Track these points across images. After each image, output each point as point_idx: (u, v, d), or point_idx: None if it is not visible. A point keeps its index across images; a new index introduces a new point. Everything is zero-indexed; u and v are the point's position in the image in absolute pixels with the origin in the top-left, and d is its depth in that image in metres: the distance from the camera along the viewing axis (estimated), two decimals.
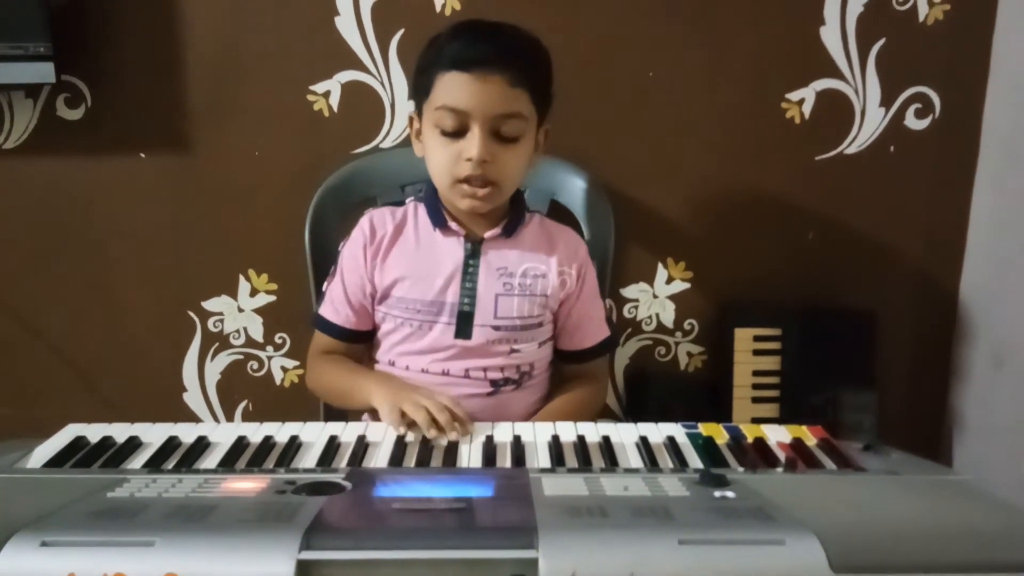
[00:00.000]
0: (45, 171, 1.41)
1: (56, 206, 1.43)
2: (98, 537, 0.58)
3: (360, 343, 1.17)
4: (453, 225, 1.10)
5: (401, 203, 1.17)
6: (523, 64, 1.01)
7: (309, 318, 1.21)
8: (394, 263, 1.11)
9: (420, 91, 1.06)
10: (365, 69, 1.39)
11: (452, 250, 1.10)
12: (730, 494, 0.66)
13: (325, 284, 1.17)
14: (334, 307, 1.15)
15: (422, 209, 1.13)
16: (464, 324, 1.09)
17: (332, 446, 0.88)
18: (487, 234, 1.10)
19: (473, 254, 1.10)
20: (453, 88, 1.00)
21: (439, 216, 1.10)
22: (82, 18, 1.35)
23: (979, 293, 1.48)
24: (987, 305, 1.46)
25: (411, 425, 0.93)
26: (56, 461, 0.82)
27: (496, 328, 1.09)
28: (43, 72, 1.28)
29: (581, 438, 0.90)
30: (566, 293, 1.13)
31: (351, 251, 1.13)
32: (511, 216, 1.12)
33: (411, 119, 1.11)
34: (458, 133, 1.01)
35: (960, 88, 1.43)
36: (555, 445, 0.88)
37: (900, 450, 0.87)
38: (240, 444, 0.88)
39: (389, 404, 0.96)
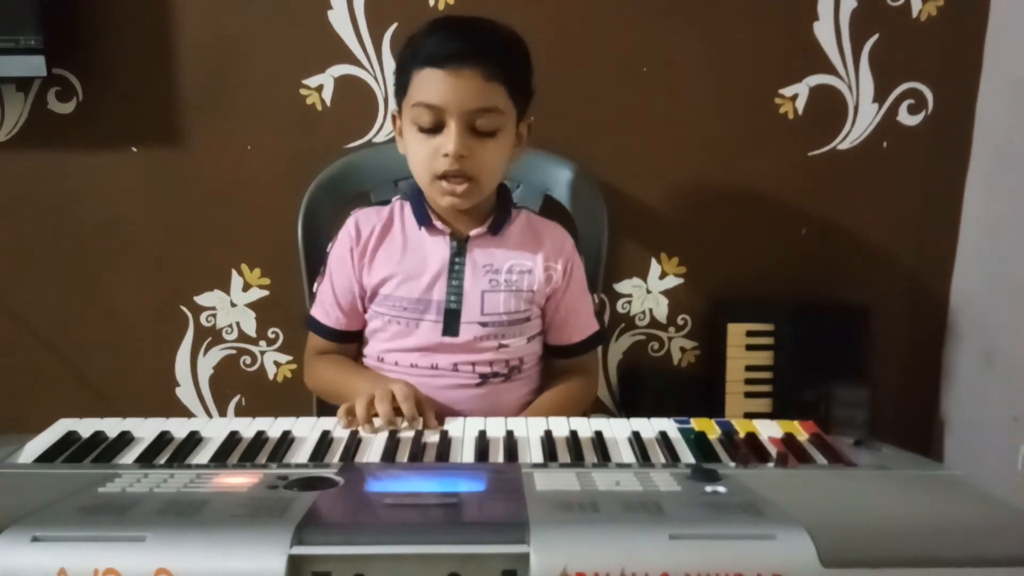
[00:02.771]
0: (36, 165, 1.40)
1: (47, 200, 1.42)
2: (89, 532, 0.58)
3: (353, 342, 1.18)
4: (438, 224, 1.10)
5: (387, 202, 1.17)
6: (498, 58, 1.01)
7: (302, 318, 1.21)
8: (381, 262, 1.11)
9: (399, 89, 1.06)
10: (358, 63, 1.38)
11: (438, 248, 1.10)
12: (721, 489, 0.66)
13: (316, 284, 1.18)
14: (324, 309, 1.15)
15: (408, 208, 1.13)
16: (451, 321, 1.09)
17: (324, 441, 0.88)
18: (472, 232, 1.10)
19: (459, 252, 1.10)
20: (428, 84, 1.00)
21: (424, 215, 1.11)
22: (73, 11, 1.34)
23: (971, 289, 1.49)
24: (979, 301, 1.47)
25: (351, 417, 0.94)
26: (47, 456, 0.82)
27: (483, 324, 1.09)
28: (34, 65, 1.27)
29: (574, 433, 0.90)
30: (552, 288, 1.13)
31: (338, 253, 1.13)
32: (497, 213, 1.12)
33: (394, 117, 1.11)
34: (435, 129, 1.02)
35: (953, 84, 1.44)
36: (547, 440, 0.88)
37: (891, 445, 0.87)
38: (232, 439, 0.88)
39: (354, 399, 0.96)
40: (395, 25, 1.36)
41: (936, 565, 0.58)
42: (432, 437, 0.90)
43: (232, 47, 1.37)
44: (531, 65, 1.07)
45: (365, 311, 1.15)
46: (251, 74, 1.38)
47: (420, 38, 1.03)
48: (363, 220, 1.13)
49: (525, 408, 1.13)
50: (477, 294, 1.09)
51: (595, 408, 1.52)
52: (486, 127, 1.02)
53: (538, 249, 1.12)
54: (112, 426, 0.90)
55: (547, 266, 1.12)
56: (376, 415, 0.93)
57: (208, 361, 1.51)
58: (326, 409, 1.22)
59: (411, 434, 0.91)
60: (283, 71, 1.38)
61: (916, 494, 0.72)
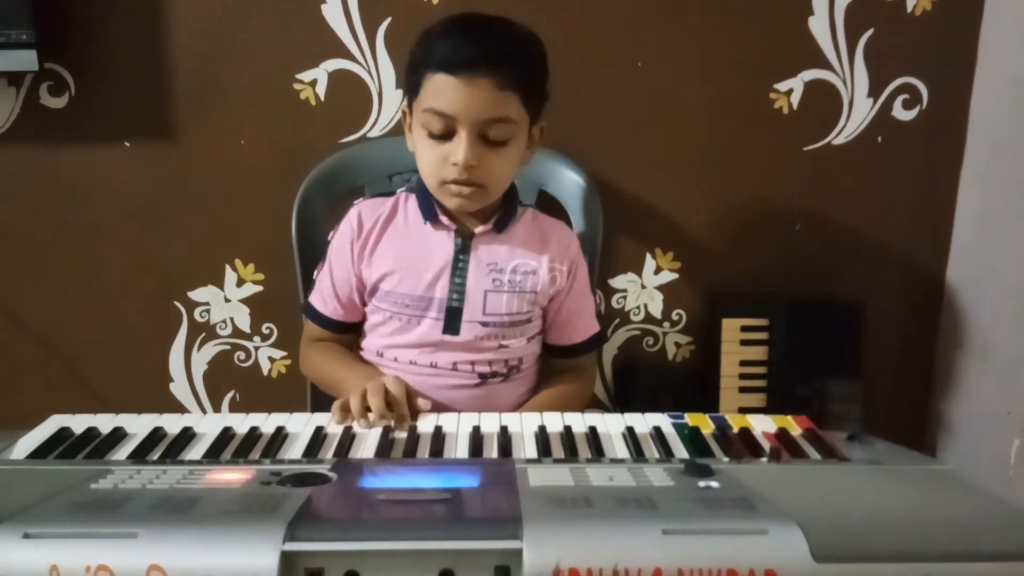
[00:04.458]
0: (28, 160, 1.40)
1: (40, 196, 1.42)
2: (81, 529, 0.58)
3: (349, 333, 1.17)
4: (444, 219, 1.09)
5: (391, 193, 1.16)
6: (513, 67, 0.98)
7: (300, 305, 1.20)
8: (383, 257, 1.10)
9: (410, 88, 1.04)
10: (352, 58, 1.38)
11: (442, 245, 1.09)
12: (714, 484, 0.67)
13: (316, 271, 1.17)
14: (323, 298, 1.15)
15: (413, 201, 1.12)
16: (452, 320, 1.08)
17: (318, 437, 0.88)
18: (478, 229, 1.09)
19: (463, 249, 1.09)
20: (440, 91, 0.98)
21: (430, 210, 1.09)
22: (65, 5, 1.33)
23: (965, 284, 1.49)
24: (973, 296, 1.47)
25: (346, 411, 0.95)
26: (40, 452, 0.82)
27: (484, 324, 1.09)
28: (26, 60, 1.26)
29: (567, 428, 0.90)
30: (556, 289, 1.12)
31: (339, 244, 1.12)
32: (503, 211, 1.11)
33: (403, 113, 1.09)
34: (445, 136, 1.00)
35: (947, 79, 1.44)
36: (542, 436, 0.88)
37: (884, 440, 0.87)
38: (225, 435, 0.88)
39: (344, 395, 0.97)
40: (389, 19, 1.36)
41: (928, 560, 0.58)
42: (427, 428, 0.91)
43: (225, 41, 1.37)
44: (547, 69, 1.05)
45: (364, 304, 1.14)
46: (244, 68, 1.38)
47: (434, 39, 1.00)
48: (366, 212, 1.12)
49: (522, 407, 1.13)
50: (480, 293, 1.08)
51: (590, 403, 1.51)
52: (498, 137, 1.00)
53: (544, 250, 1.11)
54: (105, 422, 0.90)
55: (552, 267, 1.11)
56: (370, 409, 0.94)
57: (202, 357, 1.51)
58: (320, 404, 1.22)
59: (405, 429, 0.91)
60: (277, 65, 1.38)
61: (909, 489, 0.72)
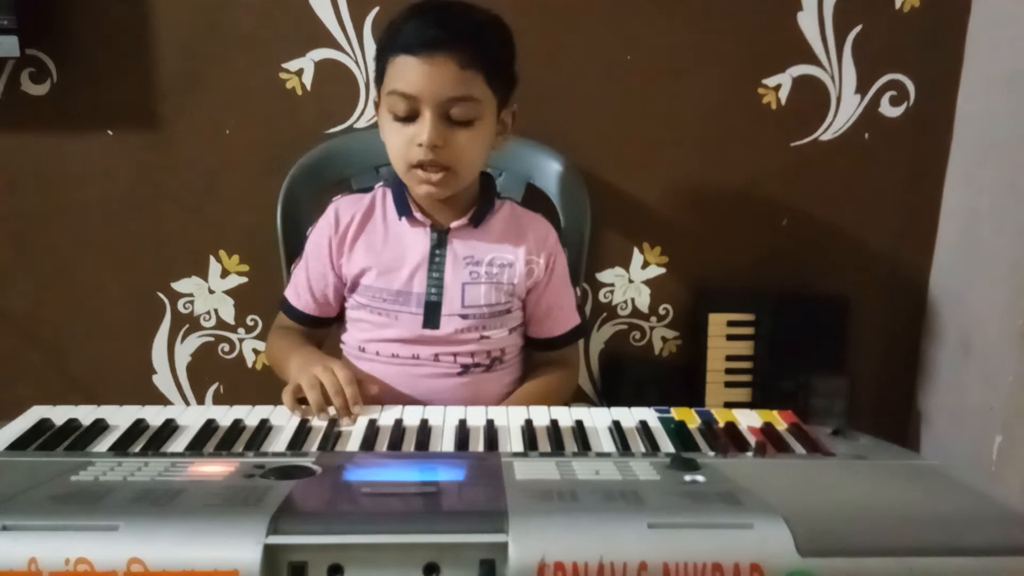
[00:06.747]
0: (9, 148, 1.38)
1: (20, 184, 1.40)
2: (61, 521, 0.57)
3: (320, 329, 1.17)
4: (418, 215, 1.09)
5: (369, 189, 1.15)
6: (474, 45, 0.98)
7: (280, 302, 1.20)
8: (361, 253, 1.10)
9: (377, 76, 1.04)
10: (339, 47, 1.37)
11: (418, 240, 1.09)
12: (700, 478, 0.67)
13: (293, 265, 1.17)
14: (296, 291, 1.15)
15: (390, 196, 1.12)
16: (432, 314, 1.08)
17: (302, 430, 0.88)
18: (453, 224, 1.09)
19: (439, 244, 1.09)
20: (402, 72, 0.98)
21: (405, 205, 1.09)
22: None
23: (949, 280, 1.50)
24: (957, 292, 1.48)
25: (303, 403, 0.95)
26: (19, 444, 0.81)
27: (464, 316, 1.09)
28: (7, 46, 1.24)
29: (554, 422, 0.90)
30: (534, 281, 1.12)
31: (316, 240, 1.12)
32: (479, 205, 1.11)
33: (376, 104, 1.08)
34: (410, 118, 1.00)
35: (935, 76, 1.44)
36: (528, 429, 0.88)
37: (869, 435, 0.88)
38: (209, 427, 0.87)
39: (291, 382, 0.97)
40: (376, 9, 1.35)
41: (912, 554, 0.58)
42: (412, 421, 0.90)
43: (211, 29, 1.35)
44: (513, 51, 1.05)
45: (343, 300, 1.14)
46: (230, 57, 1.36)
47: (397, 24, 1.01)
48: (343, 208, 1.12)
49: (507, 398, 1.12)
50: (457, 286, 1.08)
51: (576, 397, 1.52)
52: (461, 116, 1.00)
53: (520, 243, 1.11)
54: (86, 414, 0.89)
55: (529, 260, 1.11)
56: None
57: (186, 348, 1.50)
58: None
59: (391, 422, 0.90)
60: (263, 54, 1.36)
61: (893, 483, 0.72)
